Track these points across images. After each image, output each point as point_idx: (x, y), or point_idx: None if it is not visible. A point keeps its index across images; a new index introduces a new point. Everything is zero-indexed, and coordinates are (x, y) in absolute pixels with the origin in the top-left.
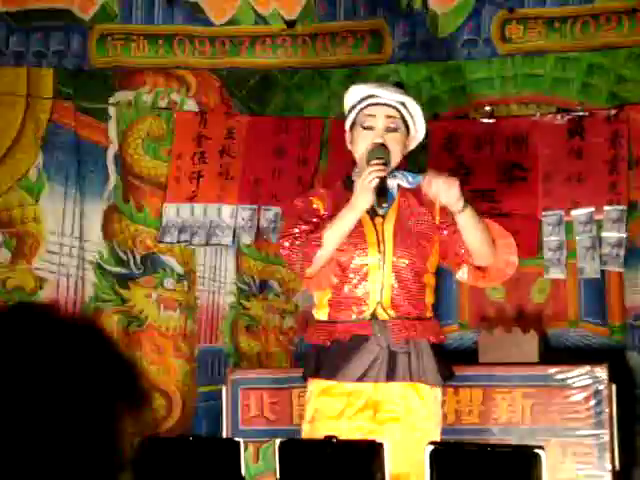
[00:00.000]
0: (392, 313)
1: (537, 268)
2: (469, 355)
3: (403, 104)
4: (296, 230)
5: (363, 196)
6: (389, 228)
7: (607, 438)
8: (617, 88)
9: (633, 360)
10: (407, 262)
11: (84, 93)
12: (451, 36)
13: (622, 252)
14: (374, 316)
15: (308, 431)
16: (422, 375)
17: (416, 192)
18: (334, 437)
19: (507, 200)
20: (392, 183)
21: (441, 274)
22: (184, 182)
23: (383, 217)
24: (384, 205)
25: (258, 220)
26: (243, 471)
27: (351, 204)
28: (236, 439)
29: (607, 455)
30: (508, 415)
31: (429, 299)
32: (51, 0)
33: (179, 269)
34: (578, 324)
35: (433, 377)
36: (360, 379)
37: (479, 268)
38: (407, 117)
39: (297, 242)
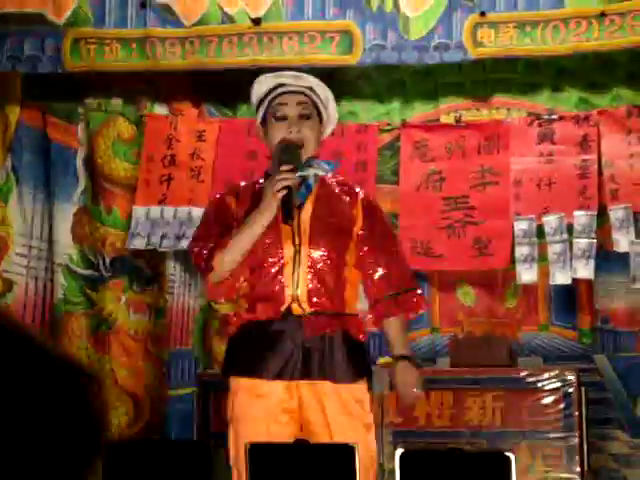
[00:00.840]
0: (307, 308)
1: (509, 273)
2: (440, 358)
3: (311, 89)
4: (199, 243)
5: (269, 207)
6: (305, 219)
7: (576, 441)
8: (586, 93)
9: (602, 364)
10: (324, 254)
11: (54, 96)
12: (422, 39)
13: (592, 256)
14: (288, 311)
15: (231, 432)
16: (332, 372)
17: (337, 181)
18: (305, 440)
19: (480, 206)
20: (310, 172)
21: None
22: (154, 185)
23: (299, 208)
24: (288, 221)
25: None
26: (214, 475)
27: (258, 212)
28: (206, 442)
29: (576, 458)
30: (479, 418)
31: (350, 294)
32: (24, 4)
33: (148, 272)
34: (548, 328)
35: (343, 374)
36: (276, 377)
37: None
38: (317, 102)
39: (201, 251)
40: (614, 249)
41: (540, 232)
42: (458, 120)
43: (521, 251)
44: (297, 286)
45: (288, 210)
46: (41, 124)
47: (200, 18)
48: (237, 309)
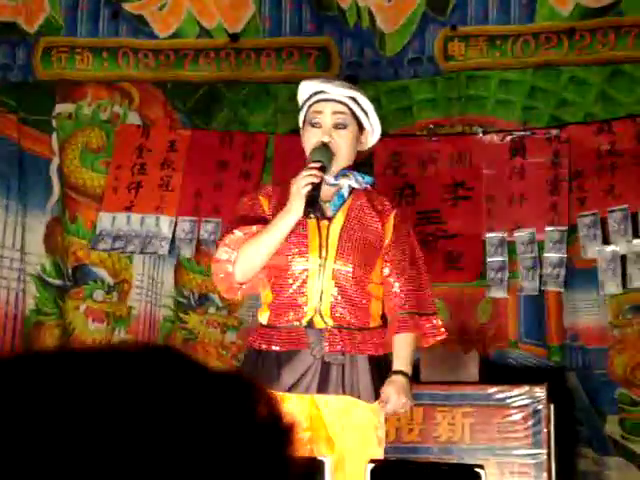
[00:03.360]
0: (330, 322)
1: (480, 289)
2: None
3: (353, 99)
4: (232, 236)
5: (294, 203)
6: (335, 232)
7: (545, 458)
8: (558, 111)
9: (571, 381)
10: (349, 269)
11: (28, 105)
12: (397, 55)
13: (562, 272)
14: (310, 324)
15: None
16: (354, 390)
17: (371, 196)
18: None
19: (452, 221)
20: (343, 183)
21: None
22: (122, 192)
23: (330, 219)
24: (312, 215)
25: (198, 232)
26: None
27: (285, 210)
28: None
29: (544, 475)
30: (448, 434)
31: (375, 308)
32: None
33: (110, 280)
34: (518, 345)
35: (366, 393)
36: (290, 389)
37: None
38: (358, 113)
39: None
40: (582, 256)
41: (511, 248)
42: (430, 134)
43: (492, 266)
44: (321, 299)
45: (312, 206)
46: (15, 133)
47: (175, 31)
48: (259, 314)
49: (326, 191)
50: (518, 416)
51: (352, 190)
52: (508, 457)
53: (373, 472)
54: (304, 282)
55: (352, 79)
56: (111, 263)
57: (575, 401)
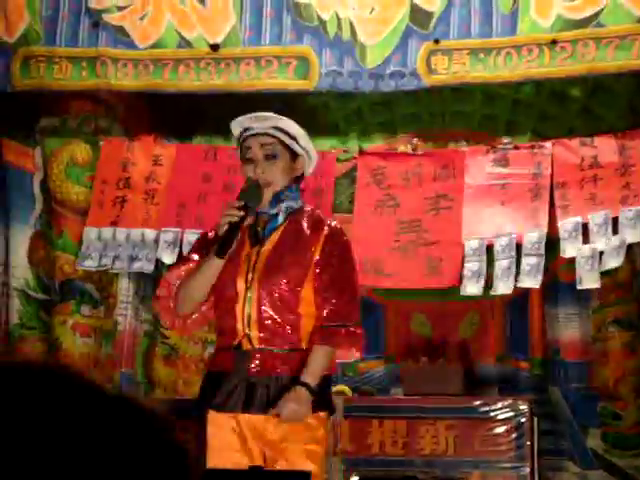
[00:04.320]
0: (256, 344)
1: (464, 304)
2: (394, 388)
3: (280, 129)
4: (171, 272)
5: (216, 245)
6: (263, 256)
7: (528, 470)
8: (540, 125)
9: (554, 395)
10: (276, 293)
11: (10, 118)
12: (378, 67)
13: (540, 272)
14: (239, 346)
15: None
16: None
17: (311, 215)
18: (259, 466)
19: (433, 229)
20: (281, 207)
21: (368, 307)
22: (107, 206)
23: (261, 244)
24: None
25: (181, 243)
26: None
27: (211, 251)
28: None
29: None
30: (432, 447)
31: (305, 329)
32: None
33: (96, 295)
34: (503, 358)
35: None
36: (219, 409)
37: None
38: (288, 141)
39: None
40: (561, 255)
41: (491, 255)
42: (414, 149)
43: (469, 267)
44: (248, 322)
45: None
46: None
47: (155, 42)
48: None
49: (265, 219)
50: (502, 429)
51: (290, 213)
52: (492, 470)
53: None
54: (233, 307)
55: (280, 112)
56: (98, 277)
57: (558, 414)
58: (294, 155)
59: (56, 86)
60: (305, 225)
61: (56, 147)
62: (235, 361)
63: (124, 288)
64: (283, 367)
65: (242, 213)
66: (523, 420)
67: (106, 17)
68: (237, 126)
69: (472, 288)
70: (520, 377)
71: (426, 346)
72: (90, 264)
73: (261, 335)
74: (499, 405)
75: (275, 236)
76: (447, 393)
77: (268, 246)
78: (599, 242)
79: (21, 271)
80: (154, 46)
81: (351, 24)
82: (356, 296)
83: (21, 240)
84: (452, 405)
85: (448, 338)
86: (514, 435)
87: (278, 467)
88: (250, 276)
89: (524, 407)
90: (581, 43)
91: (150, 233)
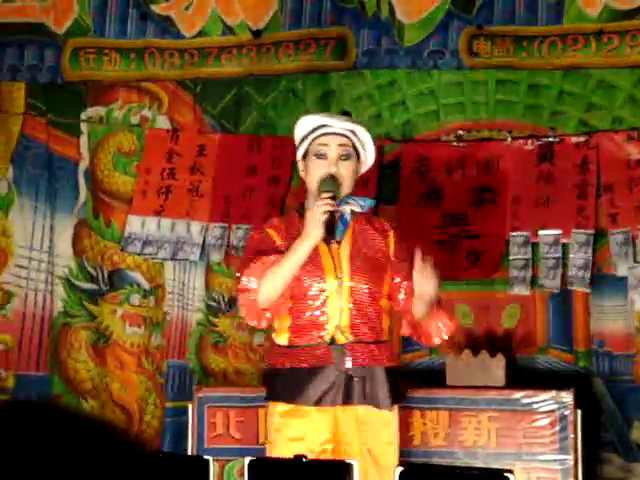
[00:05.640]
0: (350, 337)
1: (507, 294)
2: (437, 378)
3: (353, 132)
4: (253, 266)
5: (314, 230)
6: (345, 253)
7: (572, 463)
8: (587, 115)
9: (598, 386)
10: (364, 286)
11: (56, 107)
12: (416, 46)
13: (588, 275)
14: (333, 340)
15: (269, 452)
16: (374, 399)
17: (369, 218)
18: (304, 456)
19: (477, 222)
20: (346, 209)
21: None
22: (151, 196)
23: (339, 243)
24: (332, 240)
25: (228, 238)
26: None
27: (303, 237)
28: (205, 457)
29: None
30: (474, 438)
31: (386, 323)
32: (26, 14)
33: (146, 285)
34: (546, 350)
35: (384, 402)
36: (317, 403)
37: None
38: (357, 144)
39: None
40: (612, 272)
41: (536, 249)
42: (459, 139)
43: (515, 265)
44: (340, 316)
45: (330, 232)
46: (44, 136)
47: (200, 30)
48: (276, 337)
49: (337, 216)
50: (545, 421)
51: (352, 214)
52: (534, 462)
53: (402, 475)
54: (324, 302)
55: (347, 114)
56: (146, 267)
57: (601, 407)
58: (359, 159)
59: (105, 77)
60: (371, 226)
61: (102, 136)
62: (332, 356)
63: (170, 278)
64: (375, 359)
65: (335, 202)
66: (566, 412)
67: (153, 8)
68: (312, 120)
69: (520, 288)
70: (563, 369)
71: (469, 337)
72: (132, 249)
73: (354, 328)
74: (542, 397)
75: (349, 236)
76: (489, 385)
77: (346, 245)
78: None
79: (65, 260)
80: (199, 35)
81: (390, 4)
82: None
83: (65, 229)
84: (494, 397)
85: (492, 329)
86: (557, 427)
87: (370, 456)
88: (339, 272)
89: (568, 399)
90: (629, 34)
91: (196, 225)
